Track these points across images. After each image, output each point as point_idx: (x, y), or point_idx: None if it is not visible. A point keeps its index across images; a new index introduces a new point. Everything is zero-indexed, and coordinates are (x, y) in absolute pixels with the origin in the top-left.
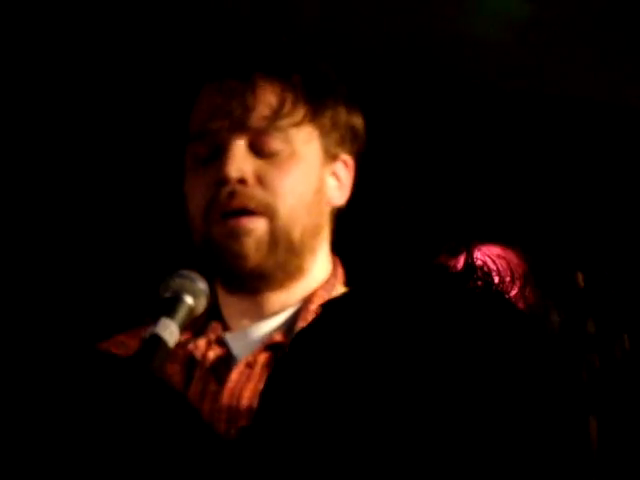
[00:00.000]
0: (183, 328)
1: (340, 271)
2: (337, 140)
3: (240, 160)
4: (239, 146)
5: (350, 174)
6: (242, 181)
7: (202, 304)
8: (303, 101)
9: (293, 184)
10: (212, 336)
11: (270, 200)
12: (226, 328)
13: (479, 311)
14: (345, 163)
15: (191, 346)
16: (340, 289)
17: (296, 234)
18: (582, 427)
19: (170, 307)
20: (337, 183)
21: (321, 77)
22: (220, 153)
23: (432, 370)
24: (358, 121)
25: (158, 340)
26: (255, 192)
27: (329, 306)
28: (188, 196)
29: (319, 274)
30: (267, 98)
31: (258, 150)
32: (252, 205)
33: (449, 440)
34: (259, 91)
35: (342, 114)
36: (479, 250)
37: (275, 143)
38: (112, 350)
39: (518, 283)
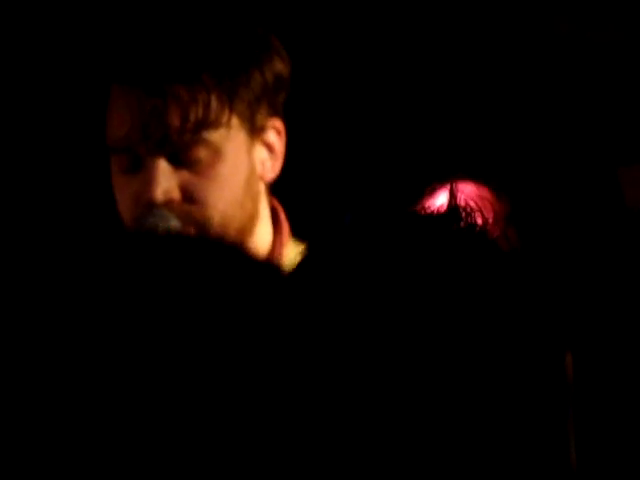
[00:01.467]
0: None
1: (285, 226)
2: (261, 111)
3: (164, 180)
4: (160, 164)
5: (282, 139)
6: (170, 200)
7: None
8: (216, 97)
9: (222, 189)
10: None
11: (199, 213)
12: None
13: (463, 254)
14: (275, 130)
15: None
16: (291, 245)
17: (231, 232)
18: (558, 363)
19: None
20: (269, 153)
21: (229, 61)
22: (141, 166)
23: (418, 314)
24: (278, 66)
25: None
26: (183, 209)
27: (304, 260)
28: (116, 195)
29: (262, 240)
30: (178, 109)
31: (180, 161)
32: (181, 221)
33: (439, 373)
34: (170, 104)
35: (259, 80)
36: (459, 190)
37: (195, 152)
38: None
39: (501, 224)
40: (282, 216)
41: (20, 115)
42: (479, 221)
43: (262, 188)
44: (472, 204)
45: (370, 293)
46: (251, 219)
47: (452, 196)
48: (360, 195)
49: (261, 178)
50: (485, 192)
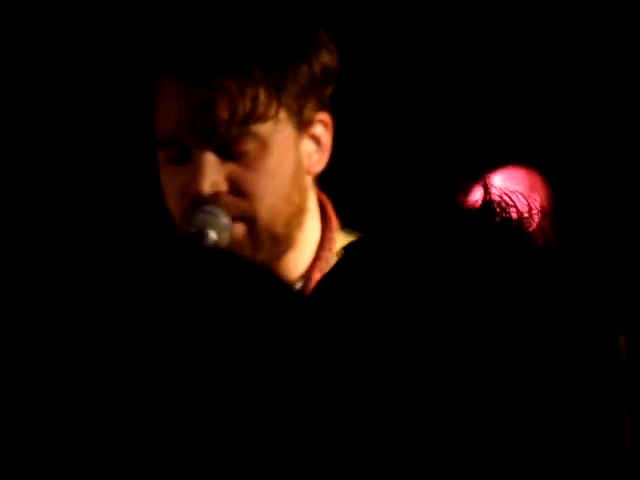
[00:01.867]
0: None
1: (333, 220)
2: (309, 104)
3: (211, 172)
4: (208, 156)
5: (329, 133)
6: (217, 193)
7: (225, 239)
8: (264, 90)
9: (269, 182)
10: None
11: (246, 207)
12: None
13: (498, 250)
14: (323, 123)
15: None
16: (341, 238)
17: (279, 227)
18: (612, 345)
19: (194, 243)
20: (316, 147)
21: (277, 54)
22: (188, 157)
23: (455, 310)
24: (325, 58)
25: None
26: (231, 201)
27: (349, 254)
28: (163, 189)
29: (311, 234)
30: (226, 101)
31: (227, 154)
32: (230, 214)
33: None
34: (218, 96)
35: (307, 73)
36: (498, 181)
37: (243, 144)
38: None
39: (537, 218)
40: (330, 210)
41: (68, 109)
42: (514, 215)
43: (309, 181)
44: (506, 198)
45: (402, 293)
46: (299, 212)
47: (486, 191)
48: (410, 184)
49: (308, 171)
50: (535, 178)
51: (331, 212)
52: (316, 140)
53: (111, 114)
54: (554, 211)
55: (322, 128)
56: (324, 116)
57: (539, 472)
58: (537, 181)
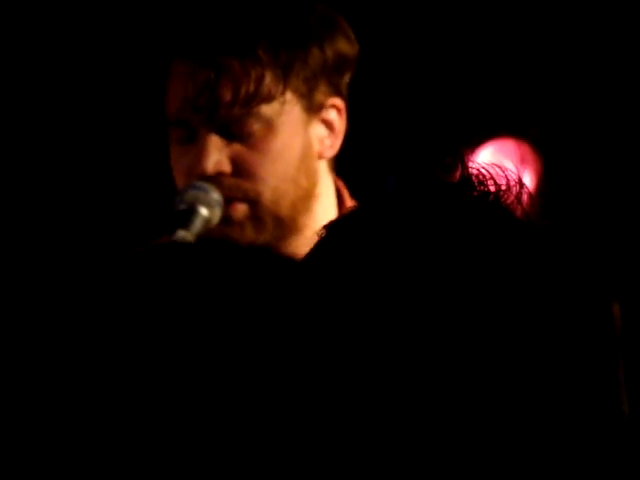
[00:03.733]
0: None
1: (349, 207)
2: (320, 88)
3: (215, 151)
4: (212, 136)
5: (342, 118)
6: (220, 173)
7: (217, 215)
8: (270, 71)
9: (273, 164)
10: None
11: (250, 187)
12: None
13: (477, 224)
14: (336, 108)
15: None
16: None
17: (284, 211)
18: (605, 313)
19: (185, 219)
20: (328, 131)
21: (286, 36)
22: (195, 138)
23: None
24: (341, 44)
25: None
26: (234, 182)
27: (328, 233)
28: (172, 168)
29: (323, 220)
30: (230, 82)
31: (232, 134)
32: (232, 195)
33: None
34: (222, 76)
35: (318, 56)
36: (488, 153)
37: (247, 125)
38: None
39: (515, 190)
40: (347, 197)
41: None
42: (492, 188)
43: (321, 166)
44: (483, 171)
45: (377, 272)
46: (306, 197)
47: (464, 165)
48: (402, 156)
49: (319, 156)
50: (526, 150)
51: (348, 199)
52: (328, 125)
53: (125, 97)
54: (545, 183)
55: (335, 113)
56: (337, 101)
57: (539, 448)
58: (528, 153)
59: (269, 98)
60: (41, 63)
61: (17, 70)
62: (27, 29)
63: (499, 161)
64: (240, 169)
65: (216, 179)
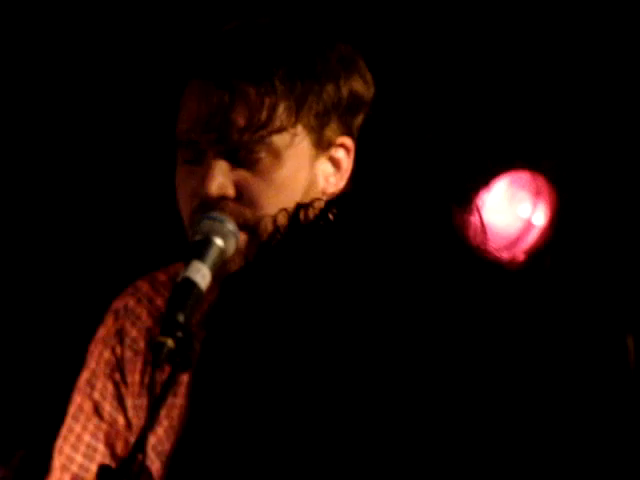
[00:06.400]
0: (214, 272)
1: None
2: (331, 125)
3: (221, 175)
4: (219, 160)
5: (350, 157)
6: (223, 197)
7: (232, 246)
8: (284, 102)
9: (278, 194)
10: None
11: (250, 216)
12: None
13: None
14: (344, 146)
15: None
16: None
17: None
18: (620, 348)
19: (201, 250)
20: (334, 169)
21: (303, 69)
22: (202, 160)
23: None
24: (357, 85)
25: (191, 284)
26: (236, 208)
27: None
28: (177, 189)
29: None
30: (244, 107)
31: (239, 160)
32: (233, 221)
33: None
34: (236, 100)
35: (333, 93)
36: (504, 184)
37: (256, 152)
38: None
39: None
40: None
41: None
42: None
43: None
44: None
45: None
46: None
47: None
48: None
49: (323, 192)
50: (541, 182)
51: None
52: (335, 163)
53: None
54: (559, 215)
55: (343, 152)
56: (347, 141)
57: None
58: (543, 185)
59: (280, 129)
60: (54, 74)
61: (26, 84)
62: (36, 41)
63: (514, 193)
64: (244, 195)
65: (219, 203)
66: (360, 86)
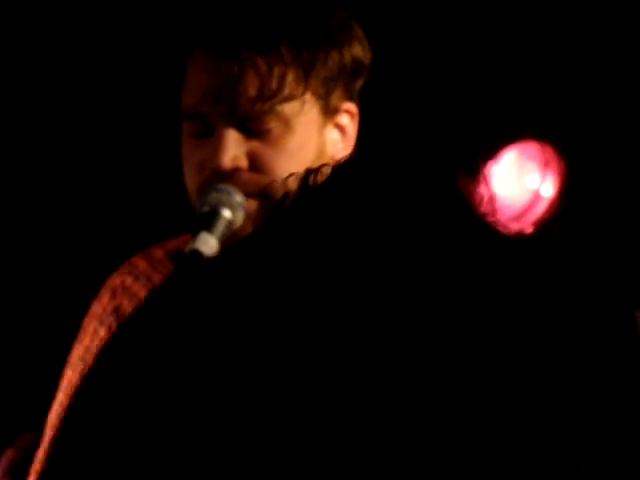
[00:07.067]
0: (222, 243)
1: None
2: (336, 92)
3: (232, 147)
4: (230, 131)
5: (354, 123)
6: (236, 168)
7: (240, 217)
8: (293, 70)
9: (290, 162)
10: None
11: (266, 182)
12: None
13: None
14: (349, 113)
15: None
16: None
17: None
18: (628, 321)
19: (209, 221)
20: (340, 135)
21: (308, 36)
22: (211, 132)
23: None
24: (357, 50)
25: (198, 256)
26: (249, 177)
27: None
28: (183, 162)
29: None
30: (254, 78)
31: (250, 130)
32: (246, 190)
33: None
34: (245, 71)
35: (338, 59)
36: (512, 155)
37: (266, 122)
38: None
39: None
40: None
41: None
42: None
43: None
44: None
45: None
46: None
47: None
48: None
49: (332, 158)
50: (550, 154)
51: None
52: (341, 129)
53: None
54: (568, 186)
55: (348, 118)
56: (351, 106)
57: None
58: (552, 156)
59: (290, 97)
60: (52, 54)
61: (20, 58)
62: (34, 15)
63: (522, 164)
64: (257, 165)
65: (232, 174)
66: (360, 51)
